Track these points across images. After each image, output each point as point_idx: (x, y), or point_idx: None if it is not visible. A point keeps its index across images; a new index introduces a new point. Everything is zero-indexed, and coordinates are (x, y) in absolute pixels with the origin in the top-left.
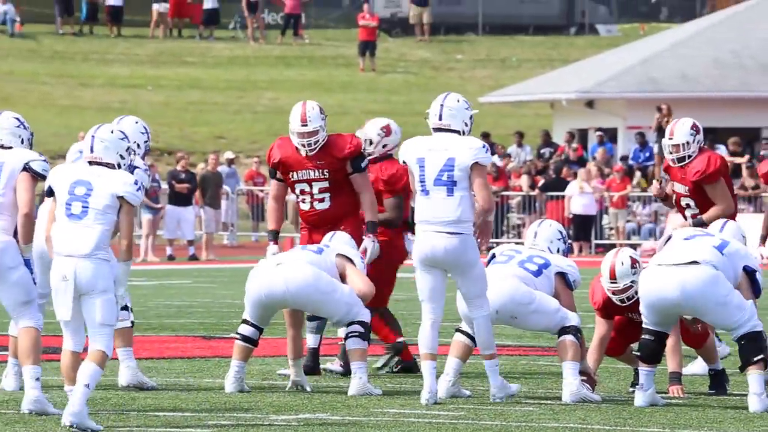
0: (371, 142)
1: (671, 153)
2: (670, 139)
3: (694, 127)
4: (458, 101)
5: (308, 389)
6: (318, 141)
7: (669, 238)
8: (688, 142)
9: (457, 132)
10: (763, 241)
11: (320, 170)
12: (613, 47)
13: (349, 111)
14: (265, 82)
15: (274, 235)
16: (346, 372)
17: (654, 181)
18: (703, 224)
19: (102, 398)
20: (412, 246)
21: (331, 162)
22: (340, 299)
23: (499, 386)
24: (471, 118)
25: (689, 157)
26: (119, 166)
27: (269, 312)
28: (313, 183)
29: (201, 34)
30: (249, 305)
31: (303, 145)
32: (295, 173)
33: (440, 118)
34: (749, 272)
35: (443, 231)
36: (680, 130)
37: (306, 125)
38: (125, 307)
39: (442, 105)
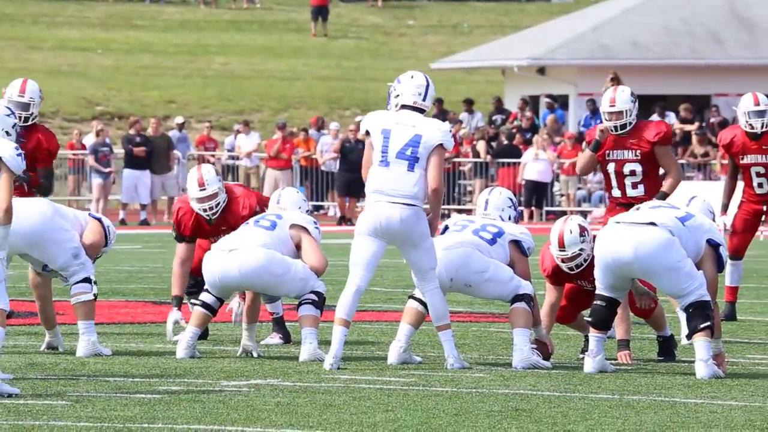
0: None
1: (611, 120)
2: (612, 106)
3: (633, 94)
4: (425, 79)
5: (255, 355)
6: (219, 204)
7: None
8: (629, 110)
9: (422, 112)
10: (723, 210)
11: (224, 232)
12: (564, 14)
13: (301, 76)
14: (216, 46)
15: (178, 302)
16: (286, 341)
17: (599, 130)
18: (666, 196)
19: (52, 363)
20: (362, 214)
21: (235, 225)
22: (295, 277)
23: (455, 356)
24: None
25: (630, 124)
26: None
27: (227, 292)
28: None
29: None
30: (207, 284)
31: (204, 210)
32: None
33: (424, 99)
34: (713, 246)
35: (399, 202)
36: (621, 97)
37: (204, 189)
38: (87, 280)
39: (428, 86)
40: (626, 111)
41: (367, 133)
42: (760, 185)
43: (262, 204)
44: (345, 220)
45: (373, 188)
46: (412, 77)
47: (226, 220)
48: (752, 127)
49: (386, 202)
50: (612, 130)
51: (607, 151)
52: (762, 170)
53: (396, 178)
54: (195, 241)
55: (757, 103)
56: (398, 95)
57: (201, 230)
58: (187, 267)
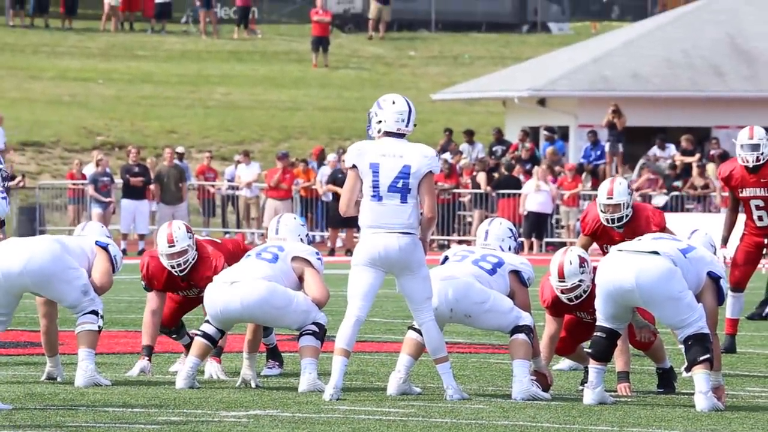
0: (759, 147)
1: (606, 212)
2: (609, 198)
3: (630, 185)
4: (406, 102)
5: (253, 385)
6: (188, 261)
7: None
8: (626, 202)
9: (404, 136)
10: (724, 242)
11: (194, 289)
12: (565, 45)
13: (302, 107)
14: (218, 76)
15: (149, 351)
16: (281, 365)
17: None
18: None
19: (51, 393)
20: (358, 246)
21: (199, 285)
22: (296, 309)
23: (454, 387)
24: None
25: (627, 216)
26: None
27: (228, 324)
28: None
29: (153, 27)
30: (209, 316)
31: (173, 267)
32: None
33: (407, 125)
34: (714, 278)
35: (395, 232)
36: (618, 189)
37: (173, 245)
38: (95, 312)
39: (410, 111)
40: (623, 204)
41: (353, 166)
42: (760, 218)
43: (243, 253)
44: (335, 251)
45: (368, 223)
46: (393, 102)
47: (192, 279)
48: (745, 161)
49: (384, 233)
50: (605, 223)
51: (605, 245)
52: (761, 203)
53: (390, 212)
54: (166, 291)
55: (751, 137)
56: (380, 121)
57: (173, 285)
58: (158, 317)
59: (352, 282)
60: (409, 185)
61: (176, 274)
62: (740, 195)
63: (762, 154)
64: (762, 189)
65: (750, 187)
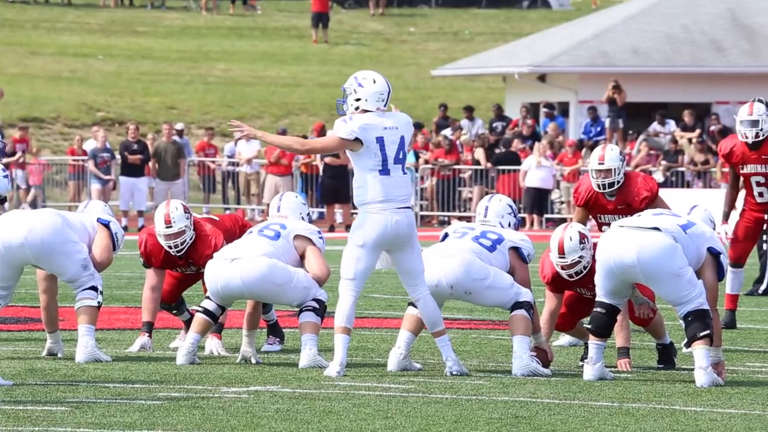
0: (758, 123)
1: (598, 178)
2: (600, 163)
3: (622, 153)
4: (375, 81)
5: (254, 362)
6: (185, 241)
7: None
8: (618, 168)
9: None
10: (725, 218)
11: (192, 267)
12: (565, 21)
13: (302, 83)
14: (217, 52)
15: (149, 327)
16: (282, 341)
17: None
18: None
19: (51, 369)
20: (363, 225)
21: (199, 263)
22: (297, 286)
23: (453, 360)
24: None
25: (618, 182)
26: None
27: (229, 301)
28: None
29: (153, 3)
30: (209, 293)
31: (170, 247)
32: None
33: (385, 105)
34: (714, 254)
35: (402, 207)
36: (610, 154)
37: (171, 226)
38: (94, 288)
39: (389, 91)
40: (614, 169)
41: (356, 139)
42: (761, 194)
43: (242, 230)
44: (335, 227)
45: (378, 198)
46: (374, 81)
47: (191, 257)
48: (745, 137)
49: (392, 209)
50: (596, 188)
51: (598, 215)
52: (762, 179)
53: (397, 183)
54: (165, 269)
55: (750, 113)
56: (359, 99)
57: (171, 262)
58: (158, 293)
59: (355, 263)
60: (404, 155)
61: (174, 254)
62: (741, 171)
63: (761, 130)
64: (763, 165)
65: (751, 163)
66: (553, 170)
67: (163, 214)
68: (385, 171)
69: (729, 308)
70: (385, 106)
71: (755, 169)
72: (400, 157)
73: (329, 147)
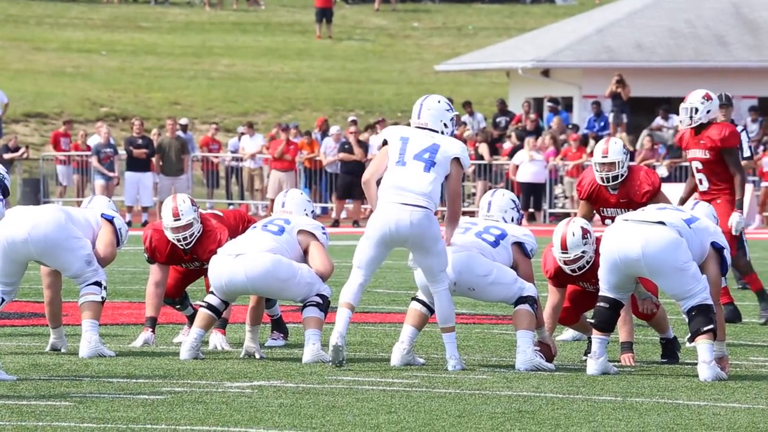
0: (697, 110)
1: (601, 171)
2: (604, 157)
3: (626, 146)
4: (438, 102)
5: (258, 357)
6: (193, 234)
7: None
8: (621, 161)
9: (435, 132)
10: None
11: (197, 262)
12: (569, 16)
13: (305, 78)
14: (221, 48)
15: (152, 323)
16: (286, 336)
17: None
18: None
19: (55, 364)
20: (372, 217)
21: (203, 258)
22: (300, 281)
23: (456, 358)
24: (452, 119)
25: (622, 176)
26: None
27: (233, 296)
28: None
29: None
30: (213, 288)
31: (178, 240)
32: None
33: (419, 117)
34: (717, 249)
35: (410, 203)
36: (613, 148)
37: (179, 219)
38: (98, 283)
39: (421, 105)
40: (618, 162)
41: (385, 142)
42: (701, 182)
43: (247, 225)
44: (339, 222)
45: (387, 185)
46: (438, 102)
47: (195, 252)
48: (681, 123)
49: (398, 204)
50: (600, 181)
51: (601, 208)
52: (699, 165)
53: (412, 176)
54: (169, 264)
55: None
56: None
57: (176, 258)
58: (162, 289)
59: (360, 251)
60: (435, 159)
61: (181, 247)
62: (688, 157)
63: (698, 116)
64: (701, 151)
65: (692, 148)
66: (545, 164)
67: (170, 208)
68: (401, 162)
69: (725, 302)
70: (419, 118)
71: (695, 155)
72: (425, 157)
73: (378, 157)
